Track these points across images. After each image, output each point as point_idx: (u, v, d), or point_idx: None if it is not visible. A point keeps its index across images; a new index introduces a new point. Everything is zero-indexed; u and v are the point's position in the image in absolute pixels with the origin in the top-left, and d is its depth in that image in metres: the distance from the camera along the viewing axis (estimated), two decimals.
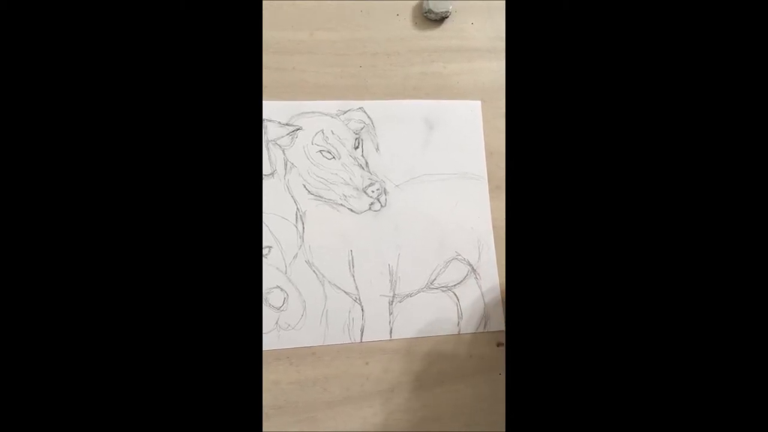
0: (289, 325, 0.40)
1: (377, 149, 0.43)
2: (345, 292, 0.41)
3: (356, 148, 0.43)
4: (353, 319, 0.40)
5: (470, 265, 0.42)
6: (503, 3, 0.47)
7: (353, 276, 0.41)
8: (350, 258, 0.41)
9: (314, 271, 0.41)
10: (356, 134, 0.43)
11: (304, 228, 0.41)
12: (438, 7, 0.46)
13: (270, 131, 0.42)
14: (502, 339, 0.41)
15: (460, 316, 0.41)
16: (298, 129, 0.43)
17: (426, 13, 0.46)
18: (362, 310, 0.41)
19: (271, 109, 0.43)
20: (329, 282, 0.41)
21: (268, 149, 0.42)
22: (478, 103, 0.46)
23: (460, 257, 0.42)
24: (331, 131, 0.43)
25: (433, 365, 0.40)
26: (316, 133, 0.43)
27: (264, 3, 0.45)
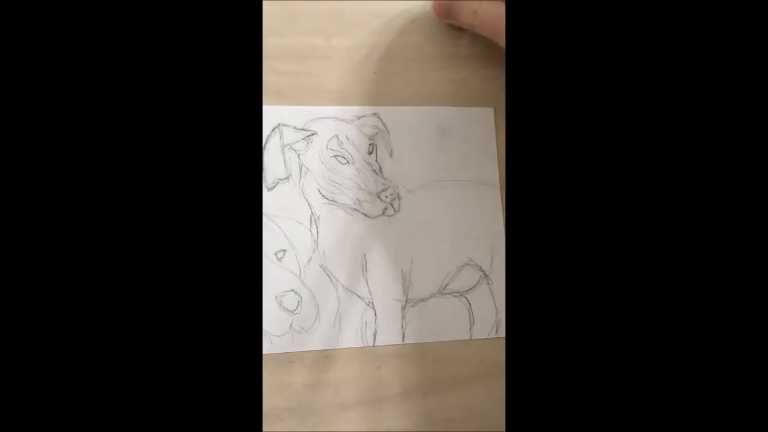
0: (302, 328, 0.40)
1: (391, 155, 0.44)
2: (358, 296, 0.41)
3: (370, 153, 0.43)
4: (366, 322, 0.41)
5: (482, 270, 0.43)
6: None
7: (366, 280, 0.41)
8: (363, 262, 0.42)
9: (328, 275, 0.41)
10: (370, 140, 0.44)
11: (318, 232, 0.42)
12: None
13: (285, 136, 0.43)
14: None
15: (471, 322, 0.42)
16: (313, 134, 0.43)
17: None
18: (375, 314, 0.41)
19: (286, 113, 0.43)
20: (342, 286, 0.41)
21: (283, 153, 0.42)
22: (491, 110, 0.46)
23: (472, 263, 0.43)
24: (346, 136, 0.43)
25: (445, 370, 0.41)
26: (331, 138, 0.43)
27: (280, 8, 0.45)
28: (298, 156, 0.43)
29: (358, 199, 0.43)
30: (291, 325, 0.40)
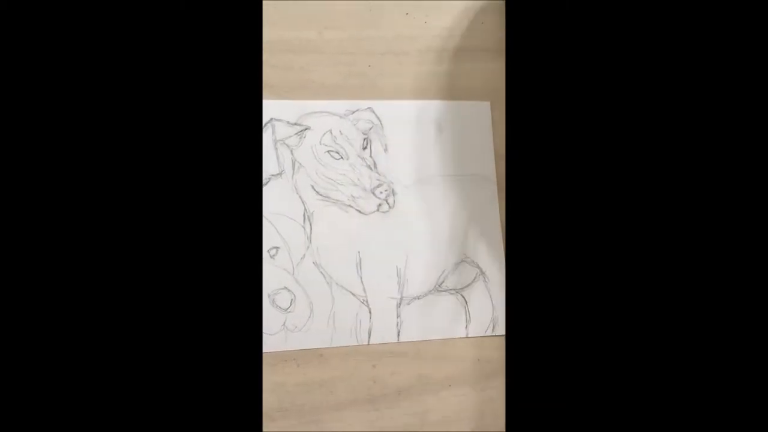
0: (296, 327, 0.39)
1: (386, 150, 0.43)
2: (352, 293, 0.40)
3: (364, 148, 0.43)
4: (360, 321, 0.40)
5: (479, 267, 0.42)
6: None
7: (361, 278, 0.41)
8: (358, 259, 0.41)
9: (321, 273, 0.40)
10: (365, 135, 0.43)
11: (311, 229, 0.41)
12: None
13: (278, 131, 0.42)
14: None
15: (468, 319, 0.41)
16: (306, 129, 0.42)
17: None
18: (370, 312, 0.40)
19: (279, 108, 0.42)
20: (336, 283, 0.40)
21: (276, 149, 0.42)
22: (487, 104, 0.45)
23: (468, 259, 0.42)
24: (340, 131, 0.43)
25: (440, 368, 0.40)
26: (325, 133, 0.42)
27: (272, 2, 0.44)
28: (291, 151, 0.42)
29: (352, 195, 0.42)
30: (284, 324, 0.39)
